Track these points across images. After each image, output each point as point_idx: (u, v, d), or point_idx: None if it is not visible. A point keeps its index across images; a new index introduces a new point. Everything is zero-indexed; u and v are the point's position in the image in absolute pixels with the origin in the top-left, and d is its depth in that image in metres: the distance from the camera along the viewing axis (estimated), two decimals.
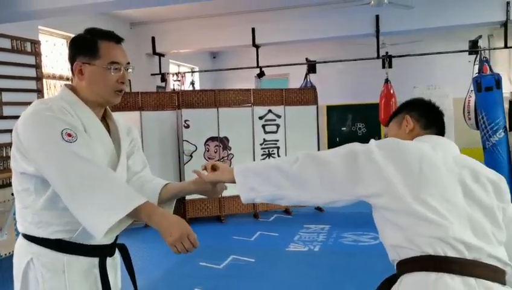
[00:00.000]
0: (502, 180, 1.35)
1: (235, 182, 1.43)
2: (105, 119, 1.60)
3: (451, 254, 1.16)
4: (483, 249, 1.18)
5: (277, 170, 1.36)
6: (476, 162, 1.36)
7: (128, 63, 1.56)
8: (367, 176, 1.25)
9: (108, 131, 1.57)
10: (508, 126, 6.28)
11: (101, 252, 1.49)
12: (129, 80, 1.56)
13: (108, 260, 1.53)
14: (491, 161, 6.28)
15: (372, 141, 1.32)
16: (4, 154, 4.76)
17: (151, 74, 7.60)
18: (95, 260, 1.48)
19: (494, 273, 1.17)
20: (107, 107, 1.59)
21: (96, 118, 1.52)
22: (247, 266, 4.16)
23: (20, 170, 1.42)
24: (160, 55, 7.59)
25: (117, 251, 1.61)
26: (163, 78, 7.60)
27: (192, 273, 3.95)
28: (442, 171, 1.27)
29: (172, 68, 8.80)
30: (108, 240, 1.50)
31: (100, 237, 1.29)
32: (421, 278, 1.18)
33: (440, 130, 1.49)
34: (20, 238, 1.49)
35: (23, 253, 1.44)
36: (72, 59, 1.52)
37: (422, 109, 1.53)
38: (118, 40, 1.54)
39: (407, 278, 1.21)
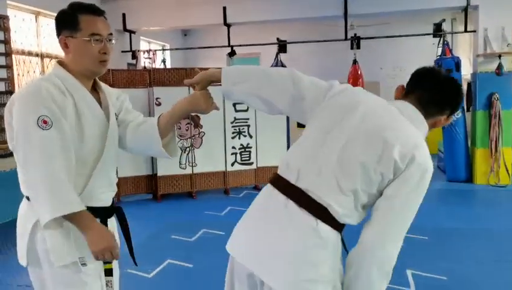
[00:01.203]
0: (402, 156, 1.32)
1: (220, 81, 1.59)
2: (96, 89, 1.72)
3: (286, 177, 1.43)
4: (315, 185, 1.36)
5: (259, 73, 1.57)
6: (386, 128, 1.36)
7: (111, 34, 1.65)
8: (307, 91, 1.49)
9: (100, 99, 1.70)
10: (465, 107, 6.62)
11: (102, 213, 1.65)
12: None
13: (110, 221, 1.70)
14: (448, 139, 6.66)
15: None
16: None
17: (122, 51, 7.57)
18: (97, 220, 1.61)
19: (315, 206, 1.35)
20: (96, 78, 1.71)
21: (85, 89, 1.64)
22: (218, 238, 4.35)
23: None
24: (131, 32, 7.57)
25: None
26: (134, 56, 7.60)
27: (164, 246, 4.12)
28: (342, 112, 1.42)
29: (143, 45, 8.77)
30: (106, 203, 1.68)
31: (42, 224, 1.48)
32: (266, 187, 1.51)
33: (427, 98, 1.44)
34: (24, 201, 1.62)
35: (29, 215, 1.58)
36: (57, 34, 1.63)
37: (417, 78, 1.50)
38: (99, 12, 1.64)
39: None
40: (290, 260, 1.35)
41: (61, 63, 1.65)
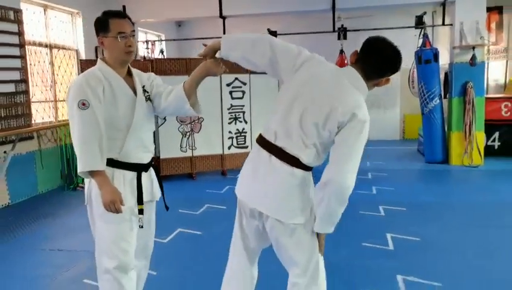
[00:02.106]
0: (344, 115, 1.78)
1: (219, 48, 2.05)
2: (129, 75, 2.22)
3: (267, 138, 1.94)
4: (287, 144, 1.88)
5: (243, 39, 2.05)
6: (332, 94, 1.84)
7: (133, 31, 2.16)
8: (280, 55, 1.96)
9: (131, 83, 2.19)
10: (442, 94, 7.20)
11: (138, 168, 2.17)
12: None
13: (145, 174, 2.21)
14: (427, 124, 7.25)
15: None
16: None
17: None
18: (132, 174, 2.15)
19: (289, 158, 1.88)
20: (129, 65, 2.21)
21: (117, 75, 2.14)
22: (221, 211, 4.88)
23: None
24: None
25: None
26: None
27: (173, 218, 4.60)
28: (302, 85, 1.89)
29: (141, 36, 9.15)
30: (141, 161, 2.19)
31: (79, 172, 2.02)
32: (255, 145, 2.01)
33: (368, 63, 1.88)
34: None
35: None
36: (96, 35, 2.15)
37: (364, 47, 1.92)
38: (123, 16, 2.16)
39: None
40: (276, 195, 1.91)
41: (101, 58, 2.17)
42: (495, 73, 10.03)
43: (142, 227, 2.20)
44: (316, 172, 1.91)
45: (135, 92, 2.18)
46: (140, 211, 2.18)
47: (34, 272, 3.39)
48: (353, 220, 4.34)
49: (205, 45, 2.13)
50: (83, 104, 2.01)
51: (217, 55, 2.11)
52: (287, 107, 1.90)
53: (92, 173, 2.02)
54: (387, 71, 1.90)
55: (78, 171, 2.02)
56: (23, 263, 3.57)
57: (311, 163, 1.90)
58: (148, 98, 2.25)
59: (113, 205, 2.00)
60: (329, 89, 1.85)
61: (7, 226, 4.54)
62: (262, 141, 1.97)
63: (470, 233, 4.03)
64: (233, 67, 2.18)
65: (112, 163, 2.10)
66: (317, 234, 1.97)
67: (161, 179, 2.36)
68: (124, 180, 2.14)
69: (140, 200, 2.17)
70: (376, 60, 1.88)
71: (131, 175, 2.16)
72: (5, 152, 5.16)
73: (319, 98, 1.84)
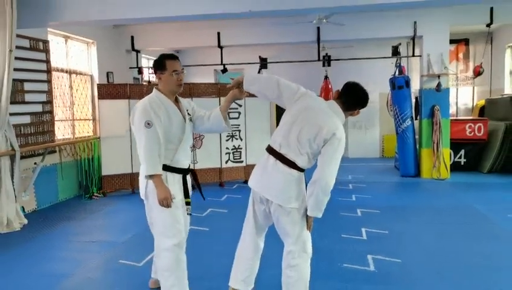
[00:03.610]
0: (327, 134, 2.61)
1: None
2: (177, 101, 3.03)
3: (274, 147, 2.77)
4: (288, 152, 2.72)
5: (259, 78, 2.96)
6: (320, 120, 2.66)
7: (183, 69, 2.97)
8: (284, 90, 2.82)
9: (179, 107, 3.01)
10: (413, 116, 8.20)
11: (183, 172, 2.97)
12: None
13: (187, 176, 3.03)
14: (401, 142, 8.21)
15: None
16: (26, 132, 5.94)
17: (130, 67, 8.87)
18: (180, 176, 2.95)
19: (288, 162, 2.71)
20: (176, 95, 3.03)
21: (170, 101, 2.93)
22: (223, 214, 5.71)
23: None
24: (137, 51, 8.87)
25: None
26: (140, 71, 8.89)
27: None
28: (298, 113, 2.73)
29: (144, 62, 10.06)
30: (185, 166, 2.98)
31: (143, 176, 2.80)
32: (264, 153, 2.84)
33: (346, 101, 2.75)
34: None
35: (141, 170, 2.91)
36: (155, 72, 2.97)
37: (344, 89, 2.80)
38: (176, 58, 2.96)
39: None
40: (278, 187, 2.75)
41: (156, 88, 2.98)
42: (464, 98, 11.14)
43: (190, 215, 2.98)
44: (308, 173, 2.78)
45: (182, 114, 2.97)
46: (188, 203, 2.96)
47: (78, 256, 4.17)
48: (335, 219, 5.21)
49: (232, 79, 3.02)
50: (148, 124, 2.75)
51: (244, 87, 2.98)
52: (288, 126, 2.76)
53: (153, 176, 2.76)
54: (358, 106, 2.81)
55: (145, 174, 2.76)
56: (67, 251, 4.36)
57: (304, 166, 2.76)
58: (190, 119, 3.05)
59: (166, 201, 2.76)
60: (318, 116, 2.71)
61: (41, 226, 5.30)
62: (270, 149, 2.82)
63: (428, 227, 4.93)
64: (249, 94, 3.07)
65: (166, 168, 2.86)
66: (307, 218, 2.81)
67: (197, 178, 3.19)
68: (174, 180, 2.89)
69: (186, 195, 2.95)
70: (352, 99, 2.77)
71: (179, 177, 2.93)
72: (35, 163, 5.95)
73: (311, 122, 2.69)
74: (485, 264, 3.75)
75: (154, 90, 2.98)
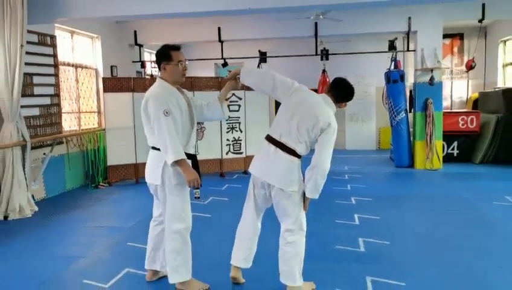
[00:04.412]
0: (324, 125, 2.90)
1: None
2: (180, 90, 3.22)
3: (274, 136, 3.02)
4: (288, 140, 3.01)
5: (255, 71, 3.23)
6: (316, 112, 2.93)
7: (186, 60, 3.17)
8: (279, 85, 3.08)
9: (183, 96, 3.20)
10: (408, 109, 8.47)
11: (192, 157, 3.18)
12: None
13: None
14: (396, 134, 8.49)
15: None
16: (36, 123, 6.21)
17: (132, 61, 9.12)
18: (190, 161, 3.12)
19: (289, 150, 2.97)
20: (179, 85, 3.22)
21: (177, 91, 3.14)
22: (224, 202, 6.00)
23: (151, 124, 3.12)
24: (140, 45, 9.11)
25: None
26: (143, 65, 9.14)
27: None
28: (296, 105, 3.02)
29: (147, 56, 10.30)
30: (193, 152, 3.21)
31: (168, 164, 2.97)
32: (264, 141, 3.09)
33: (336, 94, 3.05)
34: (153, 151, 3.18)
35: (160, 157, 3.07)
36: (158, 62, 3.16)
37: (333, 84, 3.13)
38: (179, 48, 3.16)
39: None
40: (280, 173, 3.02)
41: (160, 78, 3.16)
42: (459, 91, 11.39)
43: (199, 198, 3.15)
44: (305, 161, 3.06)
45: (187, 103, 3.16)
46: (197, 187, 3.15)
47: (88, 239, 4.47)
48: (329, 206, 5.50)
49: (229, 71, 3.28)
50: (166, 112, 2.88)
51: (241, 79, 3.25)
52: (288, 118, 3.02)
53: (178, 161, 2.87)
54: (345, 99, 3.12)
55: (170, 161, 2.85)
56: (77, 236, 4.66)
57: (302, 153, 3.04)
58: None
59: (196, 181, 2.92)
60: (314, 108, 2.99)
61: (51, 213, 5.59)
62: (270, 139, 3.08)
63: (418, 214, 5.23)
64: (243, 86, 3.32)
65: None
66: (304, 199, 3.09)
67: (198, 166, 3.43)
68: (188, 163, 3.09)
69: None
70: (340, 92, 3.09)
71: (189, 161, 3.11)
72: (44, 154, 6.23)
73: (309, 113, 2.97)
74: (467, 246, 4.05)
75: (159, 80, 3.09)
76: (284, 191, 3.01)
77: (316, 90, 9.62)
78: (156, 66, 3.25)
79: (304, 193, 3.04)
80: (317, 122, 2.94)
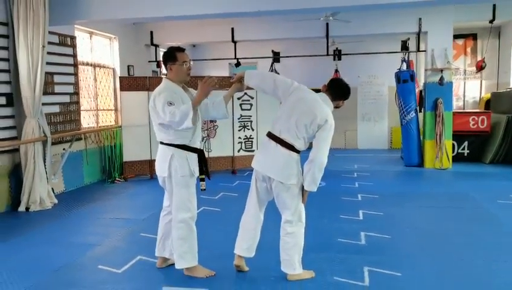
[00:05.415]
0: (321, 121, 3.10)
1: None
2: (184, 88, 3.44)
3: (274, 133, 3.22)
4: (287, 137, 3.19)
5: (258, 74, 3.45)
6: (314, 109, 3.12)
7: (191, 60, 3.40)
8: (279, 85, 3.29)
9: (188, 94, 3.42)
10: (417, 108, 8.56)
11: (197, 151, 3.41)
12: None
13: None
14: (405, 134, 8.59)
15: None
16: (56, 120, 6.52)
17: (149, 61, 9.40)
18: (196, 155, 3.36)
19: (288, 145, 3.16)
20: (183, 84, 3.45)
21: (182, 89, 3.35)
22: (234, 197, 6.21)
23: (158, 121, 3.34)
24: (156, 46, 9.39)
25: None
26: (158, 65, 9.42)
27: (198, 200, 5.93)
28: (295, 103, 3.22)
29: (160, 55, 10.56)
30: (199, 147, 3.43)
31: (189, 126, 3.15)
32: (265, 137, 3.31)
33: (333, 93, 3.26)
34: (162, 145, 3.40)
35: (167, 151, 3.33)
36: (165, 63, 3.39)
37: (331, 83, 3.37)
38: (183, 50, 3.38)
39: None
40: (279, 167, 3.21)
41: (166, 78, 3.39)
42: (472, 91, 11.39)
43: (204, 190, 3.39)
44: (303, 156, 3.25)
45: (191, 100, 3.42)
46: (202, 179, 3.38)
47: (104, 229, 4.74)
48: (336, 202, 5.67)
49: (235, 74, 3.48)
50: (170, 103, 3.08)
51: (245, 81, 3.46)
52: (287, 115, 3.22)
53: (192, 107, 3.05)
54: (342, 97, 3.33)
55: (190, 110, 3.02)
56: (94, 226, 4.93)
57: (301, 148, 3.24)
58: None
59: (211, 81, 3.11)
60: (312, 106, 3.19)
61: (70, 205, 5.89)
62: (271, 135, 3.28)
63: (422, 210, 5.37)
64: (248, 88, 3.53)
65: (186, 148, 3.25)
66: (303, 192, 3.28)
67: (205, 157, 3.63)
68: (193, 158, 3.30)
69: (201, 172, 3.36)
70: (337, 91, 3.30)
71: (195, 155, 3.34)
72: (64, 149, 6.54)
73: (307, 111, 3.17)
74: (466, 241, 4.18)
75: (164, 79, 3.31)
76: (284, 184, 3.20)
77: None
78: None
79: (303, 186, 3.22)
80: (314, 119, 3.12)
